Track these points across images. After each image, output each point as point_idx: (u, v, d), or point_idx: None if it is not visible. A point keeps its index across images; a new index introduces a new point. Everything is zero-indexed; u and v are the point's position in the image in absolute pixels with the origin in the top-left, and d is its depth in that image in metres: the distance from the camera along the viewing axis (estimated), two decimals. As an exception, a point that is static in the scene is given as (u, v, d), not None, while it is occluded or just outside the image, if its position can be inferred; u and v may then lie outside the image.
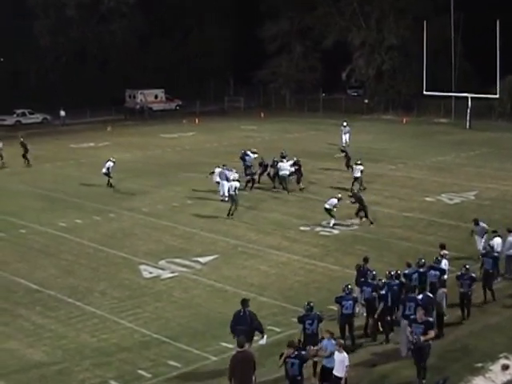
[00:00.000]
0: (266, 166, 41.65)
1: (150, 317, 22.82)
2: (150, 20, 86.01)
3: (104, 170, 41.75)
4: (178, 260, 28.35)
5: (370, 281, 21.48)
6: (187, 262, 28.04)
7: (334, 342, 17.69)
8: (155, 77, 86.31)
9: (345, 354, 17.21)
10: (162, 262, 28.12)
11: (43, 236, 32.26)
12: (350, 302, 20.10)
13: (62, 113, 75.09)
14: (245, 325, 18.72)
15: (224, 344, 20.41)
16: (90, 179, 43.95)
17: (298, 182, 40.45)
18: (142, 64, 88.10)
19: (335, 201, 32.60)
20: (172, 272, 27.06)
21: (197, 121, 74.23)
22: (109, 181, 41.72)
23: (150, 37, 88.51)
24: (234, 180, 35.46)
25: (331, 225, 32.51)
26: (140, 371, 19.17)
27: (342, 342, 17.67)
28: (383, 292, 20.83)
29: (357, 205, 33.39)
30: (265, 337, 19.11)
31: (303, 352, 16.64)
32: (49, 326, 22.21)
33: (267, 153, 44.63)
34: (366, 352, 20.28)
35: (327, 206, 32.59)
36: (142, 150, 56.00)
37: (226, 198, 37.01)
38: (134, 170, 47.61)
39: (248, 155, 42.02)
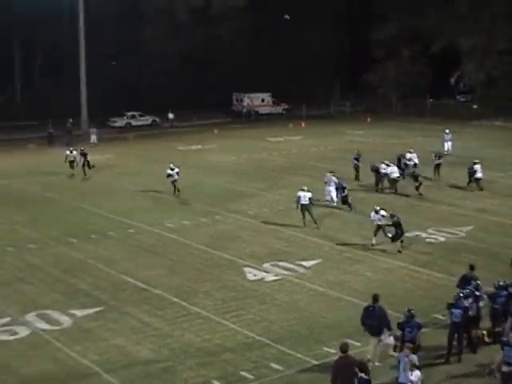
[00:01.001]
0: (379, 171, 41.59)
1: (254, 319, 22.99)
2: (258, 24, 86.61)
3: (175, 178, 41.04)
4: (282, 263, 28.46)
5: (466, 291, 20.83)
6: (291, 266, 28.13)
7: (410, 357, 17.21)
8: (262, 81, 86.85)
9: (417, 372, 16.82)
10: (266, 265, 28.30)
11: (150, 236, 32.93)
12: (459, 310, 19.69)
13: (171, 115, 76.56)
14: (373, 319, 19.16)
15: (326, 349, 20.41)
16: (197, 181, 44.64)
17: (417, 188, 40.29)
18: (250, 68, 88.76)
19: (373, 214, 30.65)
20: (276, 275, 27.19)
21: (303, 125, 74.40)
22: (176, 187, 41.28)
23: (258, 41, 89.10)
24: (308, 191, 34.63)
25: (374, 242, 30.56)
26: (242, 372, 19.33)
27: (415, 361, 17.17)
28: (469, 301, 20.25)
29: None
30: (391, 337, 19.01)
31: (366, 377, 16.38)
32: (155, 324, 22.65)
33: (373, 158, 44.51)
34: (471, 363, 19.89)
35: (379, 222, 30.56)
36: (249, 153, 56.46)
37: (335, 203, 37.23)
38: (240, 172, 48.10)
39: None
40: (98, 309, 23.85)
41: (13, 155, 58.83)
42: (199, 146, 61.24)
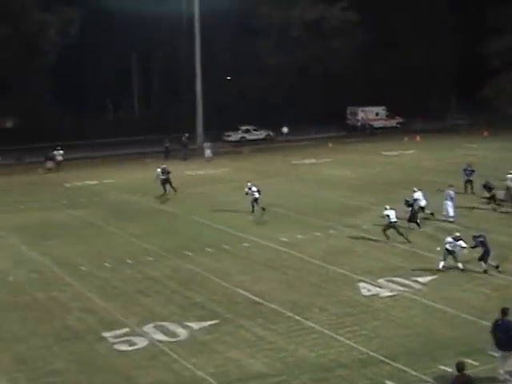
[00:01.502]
0: (491, 188, 40.59)
1: (368, 335, 22.78)
2: (371, 38, 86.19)
3: (257, 195, 40.42)
4: (397, 279, 28.12)
5: None
6: (406, 282, 27.75)
7: None
8: (376, 94, 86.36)
9: None
10: (380, 280, 28.02)
11: (265, 250, 33.13)
12: None
13: (285, 129, 77.07)
14: (502, 333, 18.90)
15: (442, 367, 19.98)
16: (311, 195, 44.69)
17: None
18: (363, 81, 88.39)
19: (449, 239, 28.81)
20: (391, 291, 26.89)
21: (418, 138, 73.51)
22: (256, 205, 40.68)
23: (371, 54, 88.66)
24: (391, 209, 33.80)
25: (440, 266, 28.88)
26: (357, 389, 19.23)
27: None
28: None
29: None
30: None
31: None
32: (269, 338, 22.73)
33: (488, 172, 43.64)
34: None
35: (453, 248, 28.70)
36: (363, 167, 56.18)
37: (451, 219, 36.59)
38: (354, 187, 47.92)
39: None
40: (213, 322, 24.12)
41: (131, 170, 60.48)
42: (313, 160, 61.33)
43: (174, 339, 22.74)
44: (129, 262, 31.70)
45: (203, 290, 27.53)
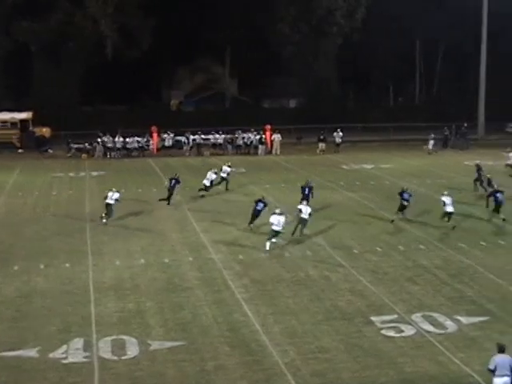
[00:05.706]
0: None
1: None
2: None
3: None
4: None
5: None
6: None
7: None
8: None
9: None
10: None
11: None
12: None
13: None
14: None
15: None
16: None
17: None
18: None
19: None
20: None
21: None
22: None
23: None
24: None
25: None
26: None
27: None
28: None
29: None
30: None
31: None
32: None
33: None
34: None
35: None
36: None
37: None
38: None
39: None
40: (483, 318, 23.53)
41: (409, 156, 60.39)
42: None
43: (441, 331, 22.40)
44: (400, 248, 31.75)
45: (475, 285, 26.86)
